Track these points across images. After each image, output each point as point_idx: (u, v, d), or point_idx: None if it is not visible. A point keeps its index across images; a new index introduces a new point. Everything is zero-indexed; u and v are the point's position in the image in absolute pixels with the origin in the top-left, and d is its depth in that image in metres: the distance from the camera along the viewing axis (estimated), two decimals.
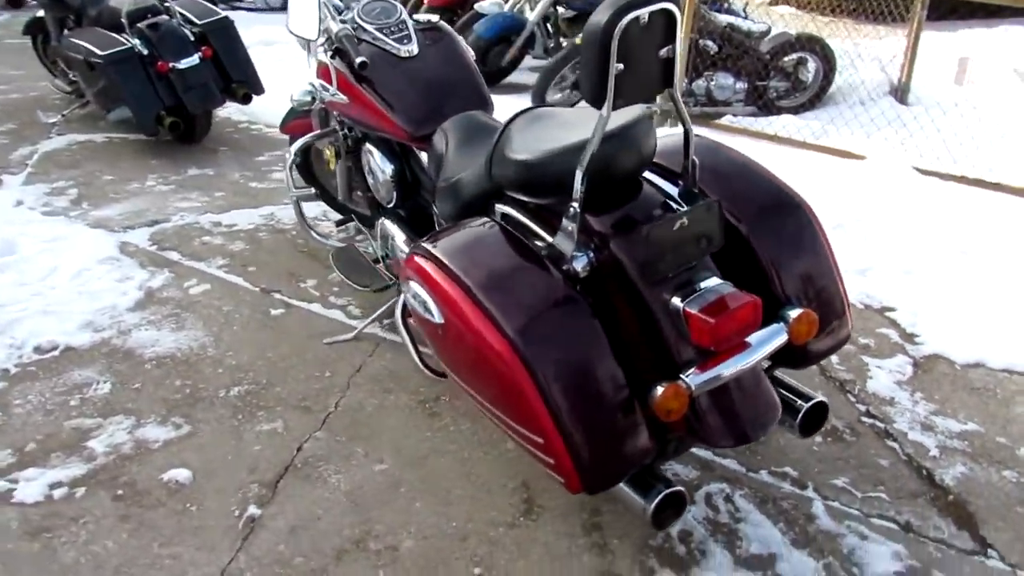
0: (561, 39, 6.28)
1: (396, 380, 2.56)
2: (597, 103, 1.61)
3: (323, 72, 2.66)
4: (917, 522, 2.02)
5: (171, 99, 4.40)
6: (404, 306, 2.13)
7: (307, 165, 3.44)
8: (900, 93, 5.80)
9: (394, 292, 2.74)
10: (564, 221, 1.71)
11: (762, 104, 5.61)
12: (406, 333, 2.16)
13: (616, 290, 1.72)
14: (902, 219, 3.78)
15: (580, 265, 1.70)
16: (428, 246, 1.83)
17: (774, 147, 4.81)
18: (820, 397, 1.89)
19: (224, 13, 4.69)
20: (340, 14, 2.51)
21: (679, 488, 1.68)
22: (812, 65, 5.71)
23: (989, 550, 1.94)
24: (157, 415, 2.38)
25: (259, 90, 4.67)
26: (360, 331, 2.79)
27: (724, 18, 5.61)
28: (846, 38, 6.12)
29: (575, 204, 1.67)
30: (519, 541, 1.94)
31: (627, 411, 1.62)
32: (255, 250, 3.46)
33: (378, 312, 2.81)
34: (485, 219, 1.93)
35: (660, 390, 1.58)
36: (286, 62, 5.69)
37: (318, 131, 2.93)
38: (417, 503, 2.06)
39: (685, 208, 1.79)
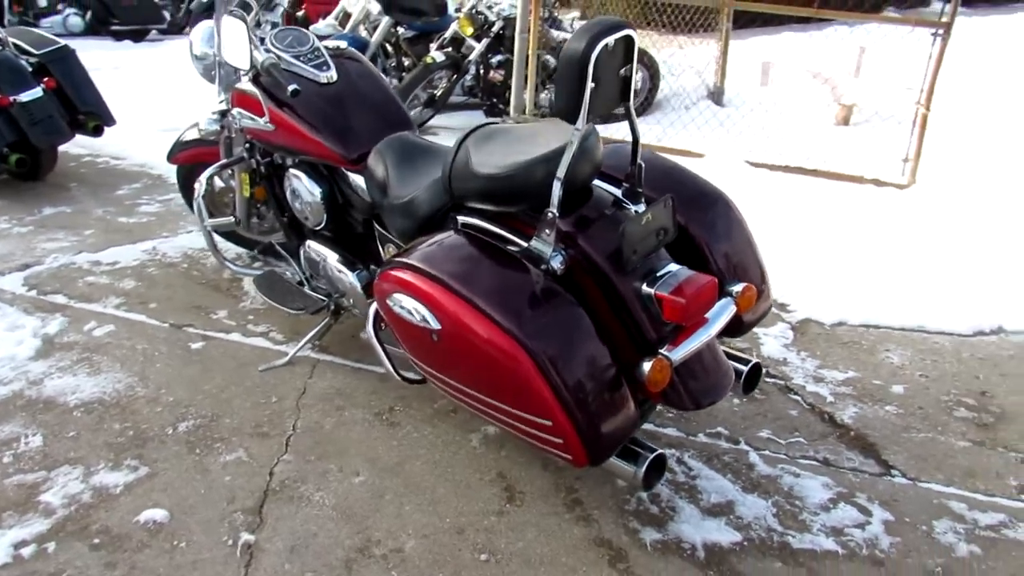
0: (403, 59, 6.41)
1: (345, 397, 2.62)
2: (571, 118, 1.81)
3: (242, 100, 2.67)
4: (833, 457, 2.39)
5: (14, 134, 4.10)
6: (376, 318, 2.22)
7: (191, 196, 3.39)
8: (716, 96, 6.47)
9: (324, 313, 2.80)
10: (541, 225, 1.89)
11: None
12: (378, 344, 2.25)
13: (588, 282, 1.93)
14: (745, 205, 4.27)
15: (557, 263, 1.90)
16: (411, 260, 1.95)
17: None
18: (755, 360, 2.20)
19: (63, 42, 4.43)
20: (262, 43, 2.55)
21: (661, 451, 1.92)
22: (639, 75, 6.23)
23: (892, 470, 2.33)
24: (107, 460, 2.31)
25: (110, 121, 4.46)
26: (294, 355, 2.82)
27: (558, 34, 5.98)
28: (663, 48, 6.72)
29: (553, 210, 1.86)
30: (512, 526, 2.10)
31: (617, 387, 1.84)
32: (149, 286, 3.35)
33: (311, 334, 2.85)
34: (450, 231, 2.08)
35: (648, 365, 1.81)
36: (135, 89, 5.44)
37: (225, 160, 2.92)
38: (406, 506, 2.16)
39: (634, 206, 2.04)
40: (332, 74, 2.57)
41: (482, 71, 5.79)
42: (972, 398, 2.69)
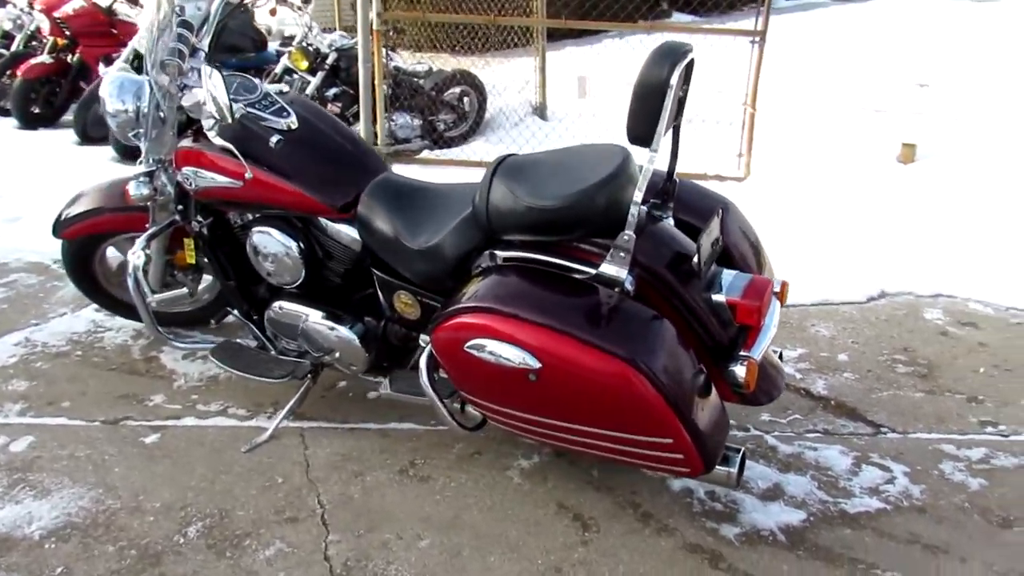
0: None
1: (356, 462, 2.45)
2: (644, 142, 1.85)
3: (193, 158, 2.40)
4: (830, 426, 2.62)
5: None
6: (429, 366, 2.11)
7: (83, 273, 3.00)
8: (540, 112, 6.75)
9: (296, 380, 2.59)
10: (615, 248, 1.91)
11: (435, 137, 6.07)
12: (434, 392, 2.13)
13: (655, 297, 1.99)
14: None
15: (631, 284, 1.93)
16: (487, 303, 1.90)
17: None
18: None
19: None
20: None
21: (743, 447, 2.02)
22: (468, 97, 6.34)
23: (881, 428, 2.61)
24: None
25: None
26: (276, 428, 2.58)
27: (392, 63, 5.94)
28: (483, 68, 6.89)
29: (630, 232, 1.89)
30: (603, 552, 2.09)
31: (710, 392, 1.91)
32: (48, 383, 2.89)
33: (291, 402, 2.62)
34: (501, 269, 2.04)
35: (742, 368, 1.91)
36: None
37: (158, 226, 2.60)
38: (489, 558, 2.08)
39: (665, 219, 2.12)
40: (292, 120, 2.39)
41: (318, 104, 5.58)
42: (901, 355, 3.07)
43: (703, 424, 1.84)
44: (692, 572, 2.02)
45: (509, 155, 2.17)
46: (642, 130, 1.84)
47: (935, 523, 2.18)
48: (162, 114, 2.33)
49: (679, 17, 14.49)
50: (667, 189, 2.14)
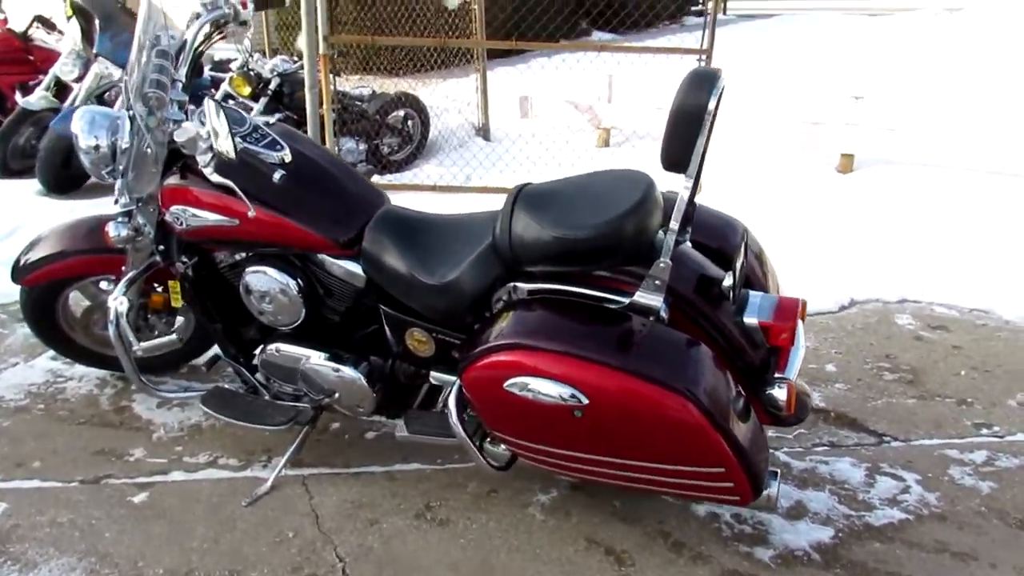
0: None
1: (368, 509, 2.34)
2: (679, 168, 1.82)
3: (183, 196, 2.25)
4: (835, 438, 2.65)
5: None
6: (458, 405, 2.03)
7: (45, 320, 2.79)
8: (484, 132, 6.71)
9: (299, 425, 2.46)
10: (650, 276, 1.88)
11: (378, 161, 5.95)
12: (464, 433, 2.05)
13: (688, 323, 1.96)
14: None
15: (664, 312, 1.91)
16: (524, 340, 1.84)
17: (437, 195, 5.23)
18: None
19: None
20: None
21: (775, 468, 2.01)
22: (412, 119, 6.25)
23: (884, 437, 2.66)
24: None
25: None
26: (276, 478, 2.44)
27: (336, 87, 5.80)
28: (421, 89, 6.81)
29: (666, 260, 1.86)
30: None
31: (750, 416, 1.89)
32: (12, 442, 2.66)
33: (291, 450, 2.48)
34: (532, 301, 1.98)
35: (781, 391, 1.90)
36: None
37: (137, 270, 2.44)
38: None
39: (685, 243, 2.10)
40: (287, 153, 2.27)
41: None
42: (884, 362, 3.15)
43: (750, 450, 1.82)
44: None
45: (526, 184, 2.11)
46: (678, 156, 1.81)
47: (957, 530, 2.22)
48: (149, 150, 2.17)
49: (599, 35, 14.76)
50: (688, 213, 2.11)
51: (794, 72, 8.00)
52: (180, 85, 2.32)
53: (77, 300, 2.87)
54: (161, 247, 2.44)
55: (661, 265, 1.87)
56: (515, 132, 6.72)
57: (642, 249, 1.93)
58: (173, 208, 2.27)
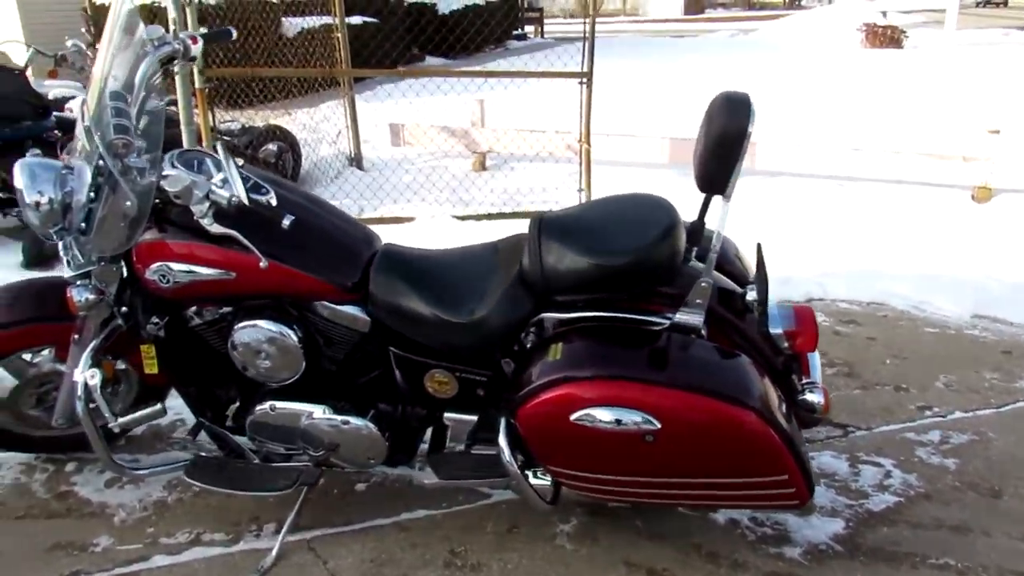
0: None
1: (392, 566, 2.21)
2: (716, 191, 1.88)
3: (170, 250, 2.03)
4: (807, 434, 2.81)
5: None
6: (510, 445, 1.96)
7: None
8: (357, 162, 6.57)
9: (307, 486, 2.30)
10: (693, 295, 1.92)
11: None
12: (520, 472, 1.98)
13: (721, 337, 2.03)
14: None
15: (704, 330, 1.96)
16: (586, 371, 1.83)
17: None
18: None
19: None
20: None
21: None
22: (285, 153, 6.00)
23: (848, 427, 2.85)
24: None
25: None
26: (281, 545, 2.25)
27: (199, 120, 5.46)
28: (281, 116, 6.56)
29: (708, 279, 1.91)
30: None
31: (794, 420, 1.98)
32: None
33: (292, 514, 2.31)
34: (576, 331, 1.97)
35: (817, 395, 1.99)
36: None
37: (100, 337, 2.17)
38: None
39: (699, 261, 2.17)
40: (273, 197, 2.11)
41: None
42: (822, 358, 3.37)
43: (804, 455, 1.90)
44: None
45: (544, 213, 2.10)
46: (718, 178, 1.86)
47: (945, 506, 2.42)
48: (127, 203, 1.94)
49: (431, 60, 14.91)
50: (696, 230, 2.18)
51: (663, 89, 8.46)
52: (135, 129, 2.10)
53: (1, 379, 2.51)
54: (123, 309, 2.19)
55: (703, 285, 1.92)
56: (388, 160, 6.64)
57: (671, 271, 1.97)
58: (154, 265, 2.05)
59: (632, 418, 1.78)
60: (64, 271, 2.11)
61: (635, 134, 6.25)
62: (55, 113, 5.45)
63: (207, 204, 1.94)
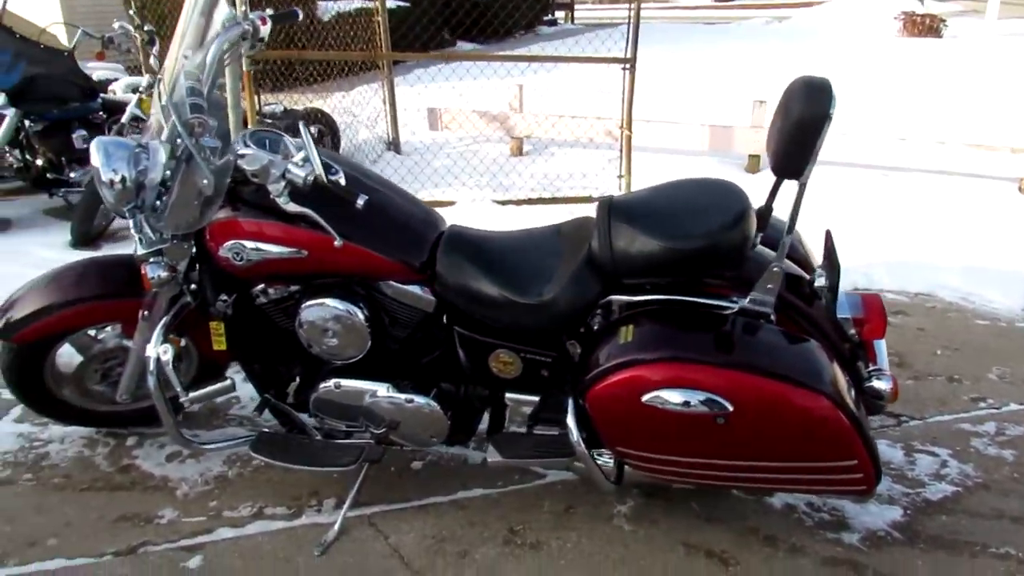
0: (35, 158, 5.23)
1: (452, 542, 2.24)
2: (792, 175, 1.87)
3: (244, 228, 2.07)
4: None
5: None
6: (579, 425, 1.99)
7: (31, 379, 2.49)
8: (395, 146, 6.59)
9: (371, 462, 2.33)
10: (764, 279, 1.92)
11: None
12: (587, 452, 2.01)
13: (788, 323, 2.03)
14: None
15: (774, 315, 1.96)
16: (664, 353, 1.84)
17: None
18: None
19: None
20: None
21: None
22: (325, 136, 6.04)
23: (901, 417, 2.84)
24: None
25: None
26: (343, 520, 2.29)
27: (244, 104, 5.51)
28: (316, 100, 6.59)
29: (779, 264, 1.91)
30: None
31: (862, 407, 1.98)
32: (9, 520, 2.34)
33: (354, 490, 2.35)
34: (647, 313, 1.98)
35: (886, 382, 1.99)
36: None
37: (170, 315, 2.22)
38: None
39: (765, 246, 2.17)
40: (342, 176, 2.14)
41: None
42: None
43: (872, 441, 1.90)
44: None
45: (610, 196, 2.11)
46: (796, 163, 1.85)
47: (1004, 496, 2.41)
48: (205, 181, 1.97)
49: (462, 45, 14.90)
50: (764, 215, 2.18)
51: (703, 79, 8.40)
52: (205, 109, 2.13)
53: (66, 356, 2.57)
54: (192, 287, 2.23)
55: (775, 270, 1.92)
56: (427, 144, 6.65)
57: (740, 255, 1.97)
58: (228, 243, 2.08)
59: (704, 400, 1.79)
60: (136, 249, 2.13)
61: (675, 121, 6.19)
62: (101, 95, 5.53)
63: (283, 183, 1.97)
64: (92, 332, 2.53)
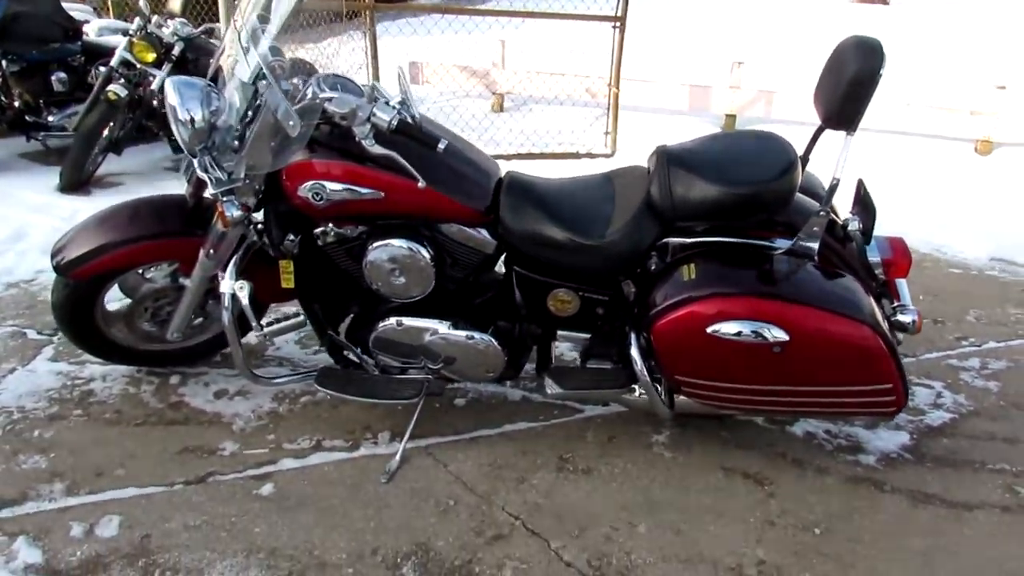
0: (13, 101, 5.10)
1: (509, 469, 2.40)
2: (844, 127, 2.05)
3: (324, 170, 2.14)
4: None
5: None
6: (643, 356, 2.16)
7: (83, 316, 2.54)
8: None
9: (432, 396, 2.48)
10: (810, 224, 2.11)
11: None
12: (652, 382, 2.18)
13: (827, 263, 2.22)
14: None
15: (817, 255, 2.16)
16: (725, 288, 2.02)
17: None
18: None
19: None
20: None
21: None
22: None
23: None
24: None
25: None
26: (403, 451, 2.42)
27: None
28: (294, 52, 6.51)
29: (825, 209, 2.10)
30: (792, 499, 2.30)
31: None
32: (72, 453, 2.40)
33: (412, 422, 2.48)
34: (704, 253, 2.15)
35: (910, 315, 2.21)
36: None
37: (244, 247, 2.30)
38: (709, 527, 2.19)
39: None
40: (407, 120, 2.23)
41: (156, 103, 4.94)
42: None
43: (903, 366, 2.12)
44: (872, 498, 2.31)
45: (664, 146, 2.26)
46: (848, 116, 2.02)
47: (993, 421, 2.69)
48: (291, 123, 2.03)
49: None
50: (804, 158, 2.35)
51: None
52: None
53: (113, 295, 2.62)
54: (259, 226, 2.31)
55: (821, 214, 2.10)
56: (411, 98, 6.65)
57: (787, 201, 2.15)
58: (308, 183, 2.16)
59: (764, 330, 1.98)
60: (208, 188, 2.19)
61: (655, 79, 6.35)
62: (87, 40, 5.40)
63: (368, 126, 2.05)
64: (140, 271, 2.58)
